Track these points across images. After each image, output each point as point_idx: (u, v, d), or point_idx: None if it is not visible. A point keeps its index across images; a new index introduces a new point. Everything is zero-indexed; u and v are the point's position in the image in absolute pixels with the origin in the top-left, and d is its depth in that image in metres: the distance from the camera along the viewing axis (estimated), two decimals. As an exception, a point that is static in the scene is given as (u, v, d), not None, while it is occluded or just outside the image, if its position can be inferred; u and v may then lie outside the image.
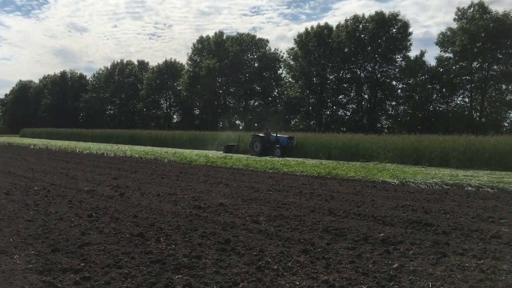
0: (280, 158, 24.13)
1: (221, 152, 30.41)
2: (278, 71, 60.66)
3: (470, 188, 12.55)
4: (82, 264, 4.76)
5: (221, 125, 63.27)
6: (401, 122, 47.45)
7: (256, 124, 58.63)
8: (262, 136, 28.54)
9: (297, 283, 4.37)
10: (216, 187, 12.25)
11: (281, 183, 13.41)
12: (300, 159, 24.26)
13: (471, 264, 5.06)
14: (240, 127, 62.01)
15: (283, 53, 59.13)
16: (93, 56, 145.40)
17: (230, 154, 28.11)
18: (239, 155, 27.40)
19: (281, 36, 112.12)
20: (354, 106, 51.87)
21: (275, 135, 28.34)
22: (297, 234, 6.43)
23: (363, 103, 51.23)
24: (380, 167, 19.54)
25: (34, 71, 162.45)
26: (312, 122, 53.48)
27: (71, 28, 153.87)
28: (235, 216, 7.84)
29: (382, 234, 6.38)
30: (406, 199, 10.44)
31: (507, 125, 41.70)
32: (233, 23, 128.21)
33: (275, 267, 4.78)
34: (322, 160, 23.20)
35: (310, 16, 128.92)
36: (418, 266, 4.94)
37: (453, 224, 7.28)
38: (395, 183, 13.90)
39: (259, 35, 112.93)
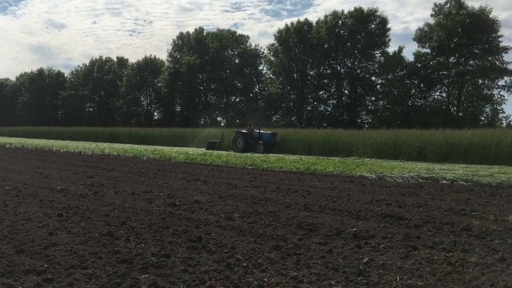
0: (261, 154, 24.08)
1: (203, 149, 30.22)
2: (259, 67, 60.66)
3: (445, 181, 12.71)
4: (46, 266, 4.63)
5: (202, 122, 62.99)
6: (380, 117, 47.91)
7: (237, 121, 58.57)
8: (245, 132, 28.34)
9: (266, 279, 4.33)
10: (193, 184, 12.15)
11: (259, 179, 13.37)
12: (281, 155, 24.23)
13: (440, 257, 5.09)
14: (222, 124, 61.84)
15: (264, 49, 59.16)
16: (72, 53, 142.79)
17: (211, 151, 28.01)
18: (221, 152, 27.23)
19: (263, 32, 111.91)
20: (335, 101, 52.17)
21: (258, 131, 28.21)
22: (270, 230, 6.40)
23: (343, 98, 51.55)
24: (358, 162, 19.65)
25: (11, 69, 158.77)
26: (293, 118, 53.57)
27: (49, 25, 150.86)
28: (209, 213, 7.77)
29: (354, 229, 6.38)
30: (381, 193, 10.50)
31: (483, 119, 42.44)
32: (214, 19, 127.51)
33: (245, 264, 4.73)
34: (302, 156, 23.24)
35: (292, 12, 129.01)
36: (388, 260, 4.95)
37: (425, 217, 7.34)
38: (372, 177, 13.99)
39: (240, 32, 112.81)
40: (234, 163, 19.03)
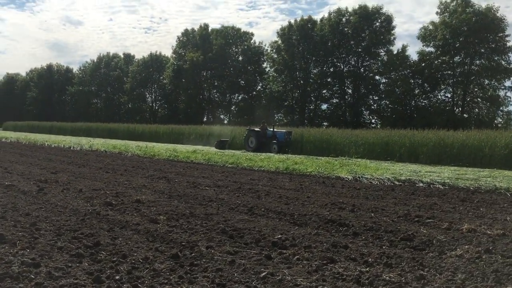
0: (246, 153, 23.48)
1: (211, 147, 29.26)
2: (263, 65, 59.99)
3: (421, 184, 11.97)
4: None
5: (205, 119, 62.56)
6: (383, 117, 46.94)
7: (239, 119, 58.02)
8: (258, 131, 26.81)
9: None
10: (155, 182, 11.59)
11: (229, 179, 12.79)
12: (266, 153, 23.62)
13: (354, 272, 4.44)
14: (225, 121, 61.36)
15: (267, 47, 58.48)
16: (88, 50, 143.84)
17: (201, 148, 27.46)
18: (232, 151, 25.84)
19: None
20: (337, 100, 51.28)
21: (271, 129, 26.77)
22: (186, 235, 5.78)
23: (346, 97, 50.64)
24: (345, 162, 18.94)
25: (30, 65, 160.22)
26: (295, 117, 52.81)
27: (66, 22, 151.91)
28: (140, 214, 7.18)
29: (280, 236, 5.75)
30: (346, 196, 9.84)
31: (487, 120, 41.20)
32: (229, 18, 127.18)
33: (118, 277, 4.12)
34: (289, 155, 22.55)
35: (307, 12, 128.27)
36: (291, 274, 4.31)
37: (371, 224, 6.67)
38: (348, 178, 13.32)
39: (255, 30, 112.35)
40: (216, 161, 18.49)
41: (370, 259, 4.90)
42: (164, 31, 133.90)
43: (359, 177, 13.34)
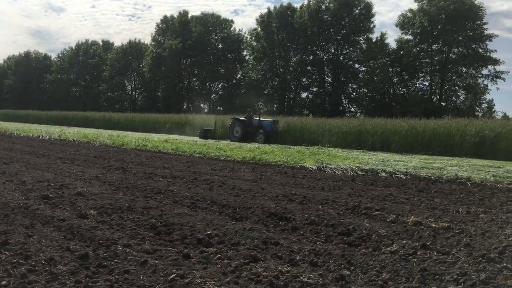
0: (227, 143, 23.06)
1: (195, 137, 28.63)
2: (243, 53, 59.26)
3: (383, 174, 11.73)
4: None
5: (185, 108, 61.74)
6: (362, 105, 46.84)
7: (220, 108, 57.47)
8: (243, 120, 25.96)
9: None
10: (110, 173, 11.14)
11: (190, 169, 12.39)
12: (225, 141, 23.28)
13: (273, 272, 4.11)
14: (205, 110, 60.70)
15: (247, 34, 57.77)
16: (71, 37, 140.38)
17: (176, 137, 26.99)
18: (219, 141, 24.62)
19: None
20: (317, 89, 50.97)
21: (257, 118, 25.89)
22: (110, 232, 5.39)
23: (325, 85, 50.36)
24: (316, 151, 18.70)
25: (11, 53, 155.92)
26: (275, 105, 52.40)
27: (48, 8, 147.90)
28: (73, 208, 6.76)
29: (209, 232, 5.40)
30: (302, 186, 9.54)
31: (465, 108, 41.29)
32: (214, 5, 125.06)
33: (4, 282, 3.72)
34: (260, 145, 22.20)
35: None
36: (203, 276, 3.96)
37: (314, 217, 6.35)
38: (313, 168, 13.05)
39: (240, 18, 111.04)
40: (184, 150, 18.10)
41: (297, 257, 4.58)
42: (148, 18, 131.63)
43: (323, 166, 13.07)
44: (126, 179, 10.08)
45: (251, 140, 24.39)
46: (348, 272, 4.13)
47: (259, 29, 51.86)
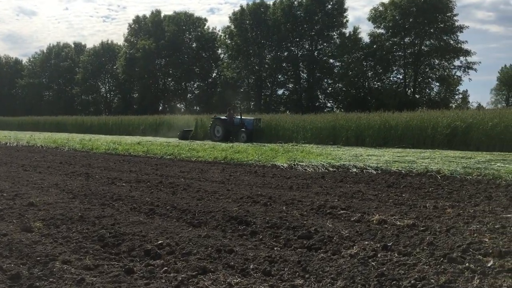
0: (189, 142, 22.68)
1: (159, 138, 28.11)
2: (218, 51, 58.75)
3: (354, 170, 11.54)
4: None
5: (161, 109, 60.97)
6: (338, 100, 46.91)
7: (196, 108, 56.92)
8: (224, 119, 25.27)
9: None
10: (72, 179, 10.67)
11: (158, 172, 12.02)
12: (206, 141, 22.90)
13: (222, 285, 3.80)
14: (182, 110, 60.01)
15: (221, 32, 57.27)
16: (44, 41, 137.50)
17: (150, 139, 26.48)
18: (200, 141, 24.41)
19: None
20: (293, 85, 50.84)
21: (239, 117, 25.13)
22: (52, 247, 4.98)
23: (301, 81, 50.25)
24: (290, 148, 18.49)
25: None
26: (252, 103, 52.10)
27: (19, 12, 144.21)
28: (20, 221, 6.29)
29: (161, 242, 5.06)
30: (270, 186, 9.26)
31: (439, 100, 41.67)
32: (190, 4, 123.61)
33: None
34: (233, 144, 21.86)
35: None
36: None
37: (276, 219, 6.06)
38: (284, 167, 12.80)
39: (217, 17, 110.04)
40: (155, 153, 17.71)
41: (251, 266, 4.28)
42: (123, 19, 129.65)
43: (294, 164, 12.83)
44: (87, 185, 9.64)
45: (235, 140, 23.84)
46: (301, 282, 3.85)
47: (232, 26, 51.41)
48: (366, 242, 4.94)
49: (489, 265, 3.94)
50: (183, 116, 34.47)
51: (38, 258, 4.53)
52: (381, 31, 43.78)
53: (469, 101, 46.99)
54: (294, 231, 5.53)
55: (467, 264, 4.01)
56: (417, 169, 11.03)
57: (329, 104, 49.02)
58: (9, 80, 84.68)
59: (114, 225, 5.91)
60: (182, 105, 61.99)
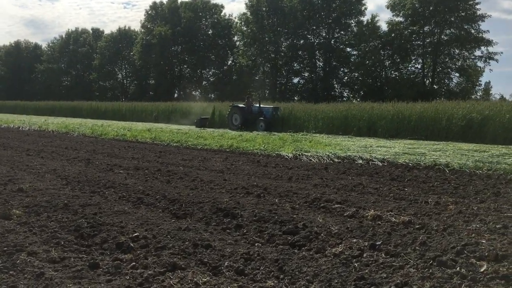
0: (199, 129, 22.44)
1: (171, 124, 27.92)
2: (234, 39, 58.24)
3: (360, 161, 11.15)
4: None
5: (176, 96, 60.93)
6: (354, 89, 46.10)
7: (211, 95, 56.70)
8: (243, 107, 24.75)
9: None
10: (71, 165, 10.52)
11: (160, 159, 11.83)
12: (222, 130, 22.62)
13: (188, 285, 3.54)
14: (197, 97, 59.88)
15: (237, 19, 56.66)
16: (66, 26, 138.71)
17: (159, 126, 26.37)
18: (218, 130, 24.02)
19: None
20: (308, 74, 50.11)
21: (257, 105, 24.58)
22: (23, 236, 4.78)
23: (317, 70, 49.48)
24: (299, 138, 18.15)
25: (5, 43, 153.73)
26: (266, 92, 51.58)
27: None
28: (4, 207, 6.15)
29: (137, 234, 4.81)
30: (269, 177, 8.96)
31: (458, 91, 40.55)
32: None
33: None
34: (242, 132, 21.56)
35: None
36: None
37: (266, 212, 5.77)
38: (289, 156, 12.48)
39: (236, 4, 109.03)
40: (162, 139, 17.56)
41: (225, 263, 4.00)
42: (143, 6, 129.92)
43: (299, 154, 12.48)
44: (84, 172, 9.47)
45: (252, 128, 23.29)
46: (273, 283, 3.56)
47: (248, 13, 50.76)
48: (354, 240, 4.61)
49: (481, 270, 3.59)
50: (196, 103, 34.28)
51: (5, 249, 4.32)
52: (400, 19, 42.61)
53: (491, 93, 45.69)
54: (281, 225, 5.23)
55: (457, 268, 3.66)
56: (425, 162, 10.59)
57: (345, 94, 48.21)
58: (28, 65, 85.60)
59: (96, 215, 5.68)
60: (197, 93, 61.83)
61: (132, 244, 4.46)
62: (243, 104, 25.23)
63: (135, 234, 4.80)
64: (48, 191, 7.29)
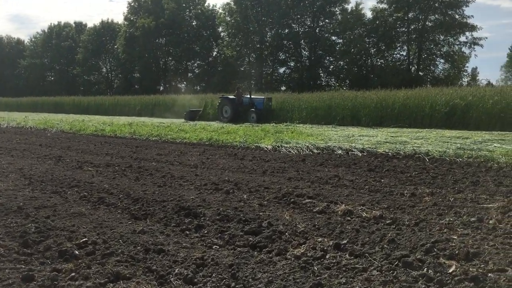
0: (182, 122, 22.01)
1: (154, 118, 27.59)
2: (218, 30, 57.50)
3: (339, 152, 10.85)
4: None
5: (162, 89, 60.20)
6: (340, 78, 45.80)
7: (196, 87, 56.08)
8: (233, 98, 24.04)
9: None
10: (41, 163, 10.09)
11: (135, 155, 11.43)
12: (213, 122, 22.24)
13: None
14: (182, 90, 59.18)
15: (220, 10, 55.91)
16: (52, 21, 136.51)
17: (141, 120, 25.89)
18: (208, 122, 23.54)
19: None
20: (294, 63, 49.71)
21: (248, 96, 23.85)
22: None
23: (302, 59, 49.07)
24: (281, 128, 17.81)
25: None
26: (252, 82, 51.08)
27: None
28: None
29: (85, 239, 4.45)
30: (243, 171, 8.63)
31: (443, 78, 40.40)
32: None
33: None
34: (224, 124, 21.20)
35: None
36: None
37: (231, 210, 5.45)
38: (268, 148, 12.16)
39: None
40: (141, 134, 17.11)
41: (175, 271, 3.66)
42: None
43: (278, 146, 12.16)
44: (51, 170, 9.07)
45: (244, 120, 22.69)
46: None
47: (232, 3, 50.10)
48: (320, 239, 4.31)
49: (450, 271, 3.30)
50: (179, 96, 33.79)
51: None
52: (384, 6, 42.23)
53: (478, 79, 45.61)
54: (244, 225, 4.90)
55: (424, 269, 3.37)
56: (405, 150, 10.31)
57: (331, 83, 47.86)
58: (11, 61, 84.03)
59: (49, 218, 5.30)
60: (182, 85, 61.14)
61: (76, 252, 4.10)
62: (234, 96, 24.59)
63: (84, 239, 4.44)
64: (6, 193, 6.88)
